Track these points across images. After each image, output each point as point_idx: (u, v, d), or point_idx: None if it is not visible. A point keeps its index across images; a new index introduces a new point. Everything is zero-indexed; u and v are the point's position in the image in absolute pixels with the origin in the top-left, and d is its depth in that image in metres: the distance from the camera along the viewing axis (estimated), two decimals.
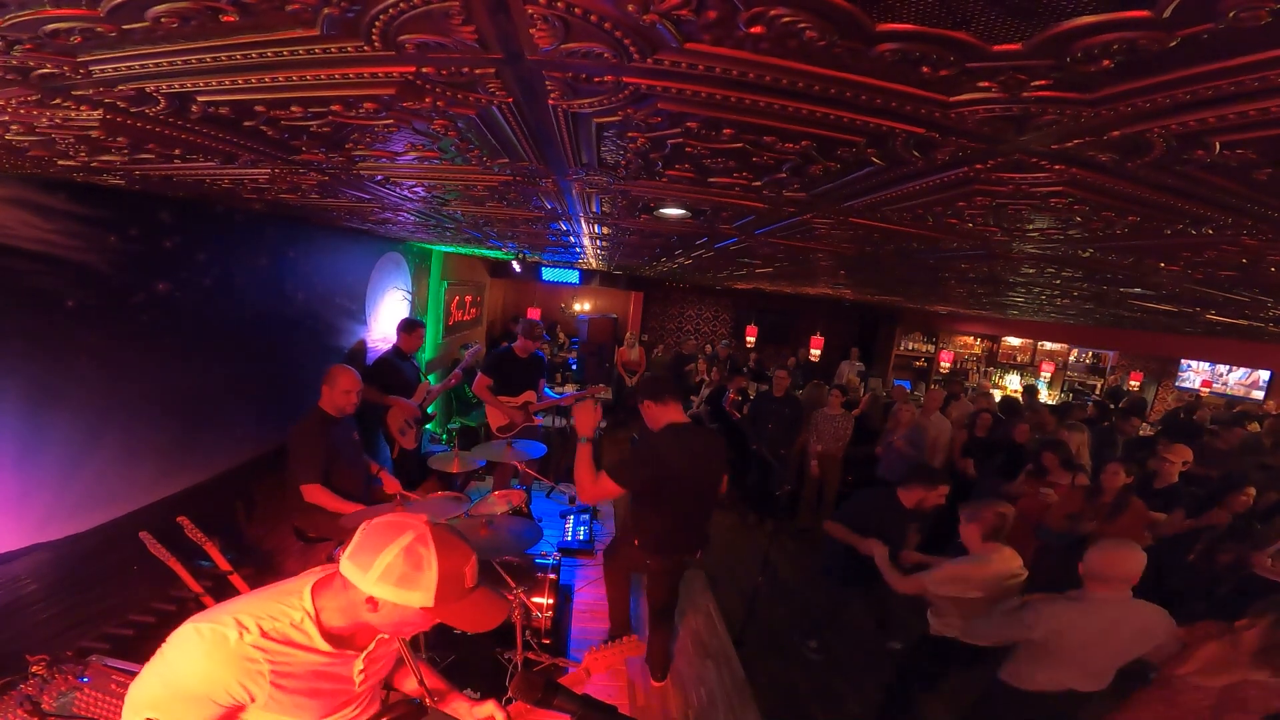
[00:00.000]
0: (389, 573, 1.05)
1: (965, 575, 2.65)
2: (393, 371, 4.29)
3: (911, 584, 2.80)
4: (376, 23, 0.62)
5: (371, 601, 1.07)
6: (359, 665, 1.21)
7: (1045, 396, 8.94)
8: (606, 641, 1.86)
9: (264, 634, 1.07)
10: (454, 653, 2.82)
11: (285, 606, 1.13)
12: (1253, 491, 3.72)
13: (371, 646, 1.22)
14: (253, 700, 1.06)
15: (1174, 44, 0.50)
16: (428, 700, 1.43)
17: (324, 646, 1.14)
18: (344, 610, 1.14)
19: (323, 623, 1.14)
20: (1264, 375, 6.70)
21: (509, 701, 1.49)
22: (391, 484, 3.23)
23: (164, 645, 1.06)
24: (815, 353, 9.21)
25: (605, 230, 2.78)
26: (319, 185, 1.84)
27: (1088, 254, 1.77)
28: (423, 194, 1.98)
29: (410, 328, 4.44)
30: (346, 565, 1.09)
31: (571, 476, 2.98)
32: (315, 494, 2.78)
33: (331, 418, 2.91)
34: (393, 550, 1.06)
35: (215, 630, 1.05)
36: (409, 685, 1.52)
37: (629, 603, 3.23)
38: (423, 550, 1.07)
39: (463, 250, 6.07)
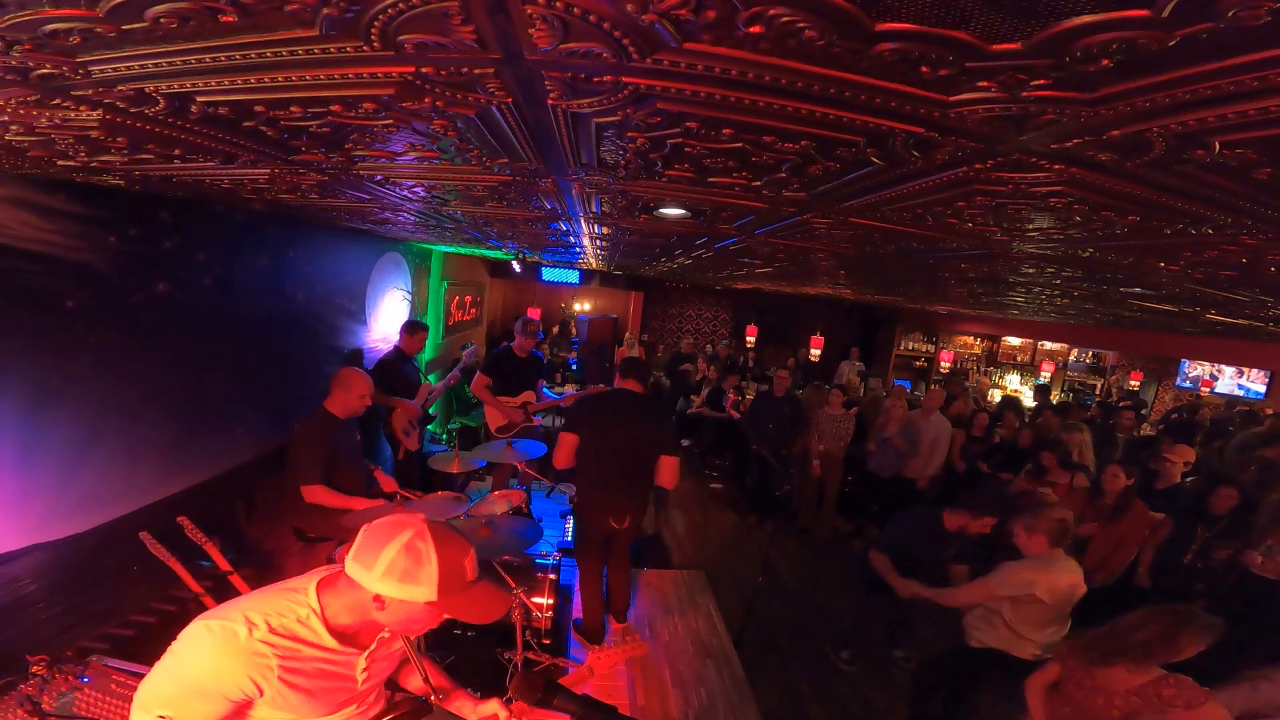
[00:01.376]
0: (392, 569, 1.08)
1: (1031, 577, 2.56)
2: (395, 373, 4.30)
3: (975, 592, 2.71)
4: (375, 23, 0.62)
5: (379, 599, 1.10)
6: (361, 664, 1.23)
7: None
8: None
9: (271, 629, 1.10)
10: (454, 653, 2.82)
11: (291, 603, 1.15)
12: (1234, 492, 3.71)
13: (373, 646, 1.24)
14: (260, 695, 1.09)
15: (1173, 43, 0.50)
16: (433, 698, 1.44)
17: (330, 643, 1.16)
18: (351, 609, 1.16)
19: (328, 619, 1.16)
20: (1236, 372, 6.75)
21: (510, 701, 1.50)
22: (388, 483, 3.23)
23: (174, 644, 1.08)
24: (815, 353, 9.22)
25: (605, 230, 2.78)
26: (319, 185, 1.84)
27: (1088, 254, 1.76)
28: (423, 194, 1.98)
29: (413, 329, 4.45)
30: (351, 566, 1.12)
31: (571, 477, 3.09)
32: (316, 494, 2.78)
33: (336, 419, 2.91)
34: (393, 548, 1.09)
35: (225, 626, 1.07)
36: (414, 683, 1.52)
37: (594, 597, 3.28)
38: (422, 546, 1.10)
39: (463, 250, 6.07)
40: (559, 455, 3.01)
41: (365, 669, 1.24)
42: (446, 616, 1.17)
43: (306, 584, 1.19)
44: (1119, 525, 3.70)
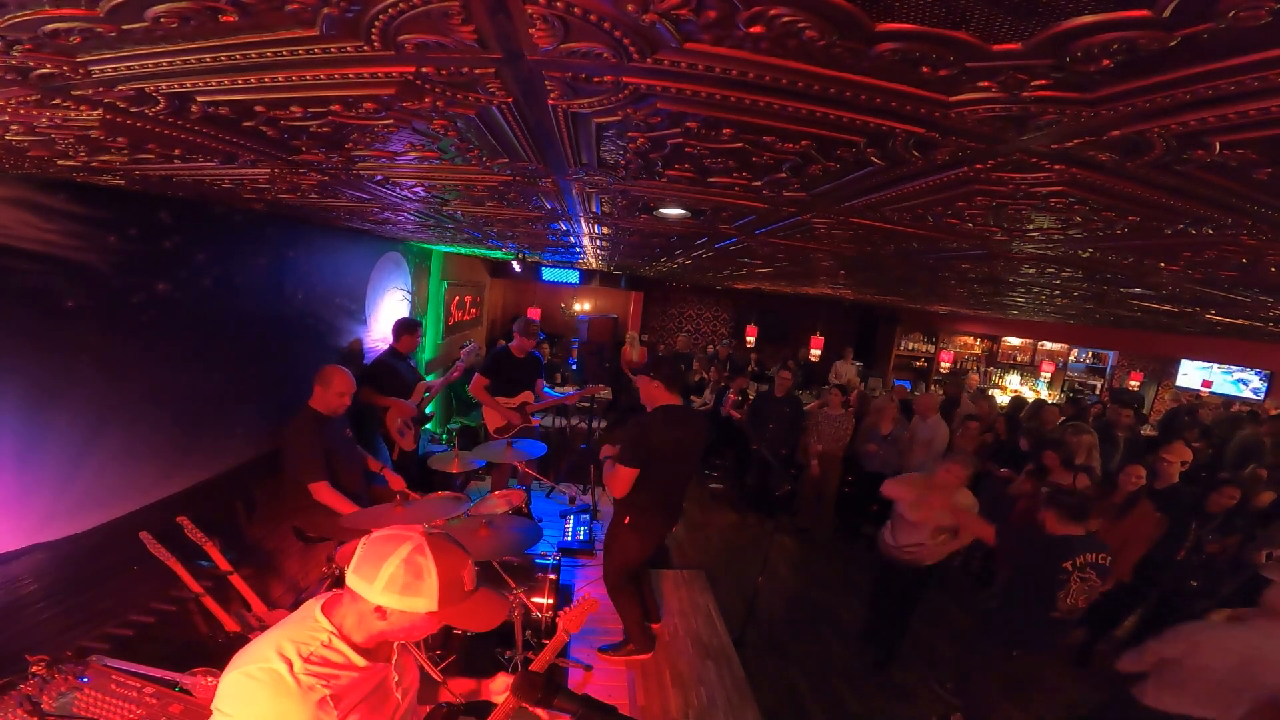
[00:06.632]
0: (393, 583, 1.10)
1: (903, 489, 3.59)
2: (390, 372, 4.28)
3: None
4: (376, 22, 0.62)
5: (380, 610, 1.12)
6: (394, 676, 1.25)
7: (1045, 396, 8.94)
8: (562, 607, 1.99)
9: (305, 659, 1.09)
10: (454, 653, 2.82)
11: (308, 631, 1.15)
12: (1236, 492, 3.73)
13: (396, 656, 1.27)
14: None
15: (1174, 44, 0.50)
16: (457, 699, 1.50)
17: (360, 661, 1.16)
18: (359, 622, 1.17)
19: (348, 637, 1.17)
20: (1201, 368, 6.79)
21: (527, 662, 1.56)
22: (396, 481, 3.23)
23: (217, 703, 1.05)
24: (815, 353, 9.22)
25: (605, 230, 2.78)
26: (319, 185, 1.84)
27: (1088, 254, 1.76)
28: (423, 194, 1.98)
29: (408, 328, 4.41)
30: (353, 579, 1.13)
31: (571, 477, 3.09)
32: (324, 493, 2.78)
33: (324, 416, 2.91)
34: (394, 561, 1.11)
35: (265, 669, 1.05)
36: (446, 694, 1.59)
37: (639, 606, 3.27)
38: (421, 559, 1.12)
39: (463, 250, 6.07)
40: (618, 486, 2.87)
41: (398, 680, 1.26)
42: (445, 624, 1.19)
43: (311, 610, 1.19)
44: (1123, 524, 3.70)
